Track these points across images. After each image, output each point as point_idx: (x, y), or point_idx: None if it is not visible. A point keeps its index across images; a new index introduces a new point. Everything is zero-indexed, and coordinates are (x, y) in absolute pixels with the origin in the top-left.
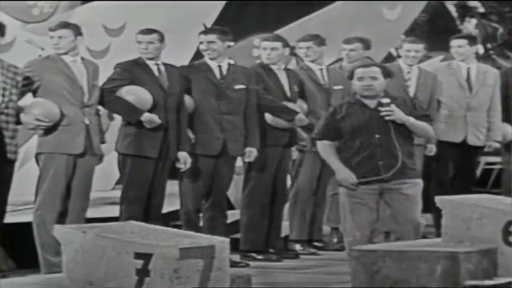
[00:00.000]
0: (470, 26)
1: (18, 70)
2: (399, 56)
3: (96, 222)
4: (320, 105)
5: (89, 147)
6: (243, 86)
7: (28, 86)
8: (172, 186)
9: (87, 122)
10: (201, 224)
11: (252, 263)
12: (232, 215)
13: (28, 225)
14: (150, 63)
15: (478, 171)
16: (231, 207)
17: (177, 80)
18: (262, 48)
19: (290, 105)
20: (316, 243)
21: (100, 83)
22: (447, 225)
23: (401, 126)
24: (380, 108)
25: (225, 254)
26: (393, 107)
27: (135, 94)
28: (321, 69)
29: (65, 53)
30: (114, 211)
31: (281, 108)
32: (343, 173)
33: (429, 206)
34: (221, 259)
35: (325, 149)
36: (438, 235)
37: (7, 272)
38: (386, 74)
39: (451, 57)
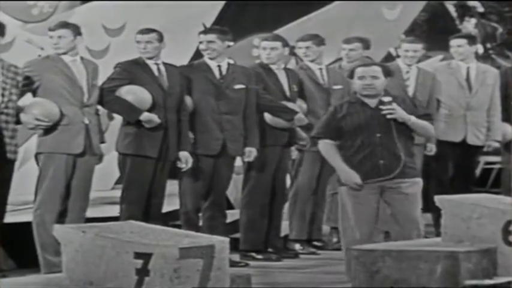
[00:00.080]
0: (469, 25)
1: (19, 70)
2: (398, 56)
3: (96, 221)
4: (319, 105)
5: (89, 147)
6: (242, 86)
7: (28, 85)
8: (172, 186)
9: (86, 121)
10: (200, 223)
11: (251, 263)
12: (232, 215)
13: (28, 225)
14: (150, 62)
15: (478, 171)
16: (231, 207)
17: (177, 79)
18: (261, 48)
19: (289, 104)
20: (315, 243)
21: (100, 82)
22: (447, 225)
23: (402, 125)
24: (381, 107)
25: (225, 253)
26: (395, 105)
27: (134, 94)
28: (321, 69)
29: (65, 53)
30: (114, 211)
31: (280, 108)
32: (347, 173)
33: (429, 206)
34: (221, 259)
35: (327, 148)
36: (438, 234)
37: (7, 272)
38: (387, 73)
39: (450, 57)
